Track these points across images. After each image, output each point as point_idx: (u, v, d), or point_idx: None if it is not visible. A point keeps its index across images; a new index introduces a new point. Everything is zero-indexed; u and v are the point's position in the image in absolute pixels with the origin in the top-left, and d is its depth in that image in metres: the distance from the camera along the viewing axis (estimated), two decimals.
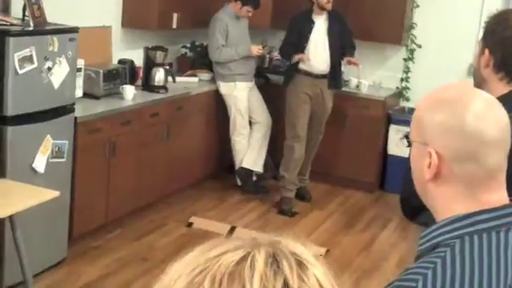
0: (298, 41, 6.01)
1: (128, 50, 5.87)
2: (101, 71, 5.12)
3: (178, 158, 5.83)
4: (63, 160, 4.36)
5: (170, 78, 5.84)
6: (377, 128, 6.63)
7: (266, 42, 7.22)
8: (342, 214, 6.14)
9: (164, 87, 5.72)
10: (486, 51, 2.07)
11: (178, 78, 6.04)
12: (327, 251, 5.22)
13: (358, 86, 6.73)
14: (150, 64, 5.76)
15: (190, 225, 5.49)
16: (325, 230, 5.74)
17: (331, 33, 5.98)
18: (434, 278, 1.21)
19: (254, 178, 6.46)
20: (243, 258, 0.75)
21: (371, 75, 6.98)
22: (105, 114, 4.85)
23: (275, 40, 7.06)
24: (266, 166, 6.51)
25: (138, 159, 5.26)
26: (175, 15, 5.95)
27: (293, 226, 5.77)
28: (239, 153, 6.38)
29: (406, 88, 7.04)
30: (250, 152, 6.38)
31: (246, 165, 6.37)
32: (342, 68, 6.30)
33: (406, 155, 1.46)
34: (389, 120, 6.68)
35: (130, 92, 5.26)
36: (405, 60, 7.00)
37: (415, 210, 1.73)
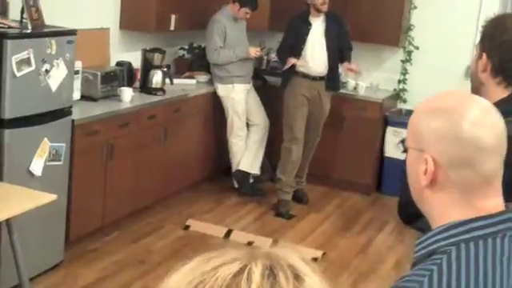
0: (295, 43, 6.01)
1: (126, 52, 5.87)
2: (98, 73, 5.12)
3: (175, 161, 5.83)
4: (60, 163, 4.36)
5: (167, 80, 5.84)
6: (374, 130, 6.63)
7: (263, 43, 7.22)
8: (339, 217, 6.15)
9: (162, 89, 5.72)
10: (484, 55, 2.07)
11: (175, 80, 6.04)
12: (324, 254, 5.23)
13: (355, 88, 6.73)
14: (147, 66, 5.76)
15: (186, 227, 5.49)
16: (322, 233, 5.74)
17: (329, 34, 5.98)
18: (430, 286, 1.21)
19: (251, 181, 6.46)
20: (240, 271, 0.75)
21: (368, 77, 6.98)
22: (102, 117, 4.85)
23: (273, 42, 7.06)
24: (263, 168, 6.51)
25: (136, 161, 5.26)
26: (173, 17, 5.95)
27: (290, 228, 5.77)
28: (236, 155, 6.38)
29: (404, 90, 7.04)
30: (247, 154, 6.38)
31: (243, 167, 6.37)
32: (340, 70, 6.30)
33: (403, 157, 1.46)
34: (386, 122, 6.68)
35: (127, 94, 5.26)
36: (402, 62, 7.00)
37: (412, 217, 1.73)
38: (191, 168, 6.17)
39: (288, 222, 5.92)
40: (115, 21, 5.76)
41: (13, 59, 3.87)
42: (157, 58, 5.80)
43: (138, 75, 5.75)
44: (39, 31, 4.19)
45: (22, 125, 4.03)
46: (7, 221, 3.53)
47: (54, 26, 4.34)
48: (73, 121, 4.48)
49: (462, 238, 1.27)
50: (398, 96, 7.06)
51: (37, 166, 4.15)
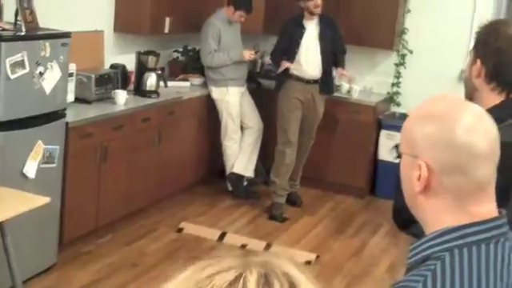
0: (289, 46, 6.03)
1: (120, 55, 5.87)
2: (93, 76, 5.12)
3: (169, 163, 5.83)
4: (54, 165, 4.36)
5: (161, 83, 5.84)
6: (367, 133, 6.65)
7: (258, 46, 7.23)
8: (333, 220, 6.15)
9: (156, 92, 5.72)
10: (478, 61, 2.08)
11: (169, 83, 6.04)
12: (317, 257, 5.23)
13: (349, 91, 6.74)
14: (141, 69, 5.76)
15: (180, 230, 5.48)
16: (315, 236, 5.74)
17: (323, 38, 6.00)
18: None
19: (245, 183, 6.46)
20: (235, 280, 0.75)
21: (362, 80, 6.99)
22: (96, 119, 4.85)
23: (267, 45, 7.06)
24: (256, 171, 6.52)
25: (130, 164, 5.26)
26: (167, 20, 5.95)
27: (283, 231, 5.77)
28: (230, 158, 6.38)
29: (397, 93, 7.06)
30: (241, 157, 6.39)
31: (236, 170, 6.37)
32: (334, 73, 6.31)
33: (397, 161, 1.46)
34: (380, 125, 6.70)
35: (121, 97, 5.26)
36: (396, 65, 7.02)
37: (406, 222, 1.74)
38: (185, 171, 6.17)
39: (281, 224, 5.92)
40: (109, 23, 5.76)
41: (7, 62, 3.86)
42: (151, 60, 5.80)
43: (132, 78, 5.75)
44: (33, 34, 4.18)
45: (15, 127, 4.03)
46: (0, 224, 3.52)
47: (48, 29, 4.34)
48: (67, 123, 4.48)
49: (455, 243, 1.28)
50: (391, 99, 7.08)
51: (30, 169, 4.15)
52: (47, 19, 4.43)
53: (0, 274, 3.95)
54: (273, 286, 0.76)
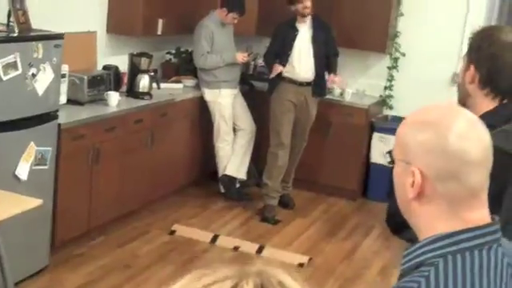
0: (282, 48, 6.03)
1: (113, 56, 5.86)
2: (85, 77, 5.10)
3: (161, 165, 5.82)
4: (46, 167, 4.34)
5: (154, 85, 5.83)
6: (360, 136, 6.66)
7: (250, 48, 7.23)
8: (325, 222, 6.16)
9: (148, 93, 5.71)
10: (472, 67, 2.09)
11: (162, 85, 6.03)
12: (310, 259, 5.23)
13: (341, 94, 6.75)
14: (134, 70, 5.75)
15: (172, 232, 5.48)
16: (307, 238, 5.75)
17: (315, 41, 6.01)
18: None
19: (238, 185, 6.46)
20: None
21: (355, 83, 7.01)
22: (89, 121, 4.84)
23: (260, 47, 7.07)
24: (249, 173, 6.52)
25: (122, 166, 5.25)
26: (160, 21, 5.95)
27: (276, 233, 5.77)
28: (223, 159, 6.38)
29: (390, 96, 7.07)
30: (233, 159, 6.39)
31: (229, 172, 6.37)
32: (326, 76, 6.32)
33: (390, 166, 1.47)
34: (372, 128, 6.71)
35: (114, 98, 5.25)
36: (389, 68, 7.03)
37: (399, 226, 1.74)
38: (178, 172, 6.17)
39: (274, 227, 5.93)
40: (102, 24, 5.75)
41: None
42: (144, 62, 5.80)
43: (125, 79, 5.74)
44: (26, 35, 4.18)
45: (8, 129, 4.01)
46: None
47: (40, 30, 4.32)
48: (59, 125, 4.47)
49: (449, 250, 1.28)
50: (384, 102, 7.09)
51: (23, 170, 4.14)
52: (40, 20, 4.42)
53: None
54: None
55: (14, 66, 3.95)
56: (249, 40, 7.21)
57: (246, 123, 6.48)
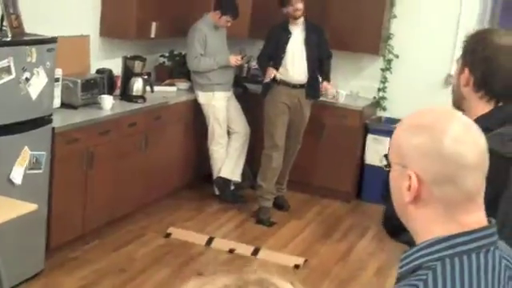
0: (275, 51, 6.04)
1: (106, 60, 5.85)
2: (79, 81, 5.10)
3: (156, 168, 5.81)
4: (40, 171, 4.34)
5: (148, 88, 5.83)
6: (354, 138, 6.67)
7: (244, 51, 7.22)
8: (320, 224, 6.17)
9: (142, 97, 5.71)
10: (466, 70, 2.09)
11: (156, 88, 6.03)
12: (305, 261, 5.24)
13: (335, 96, 6.75)
14: (128, 74, 5.74)
15: (168, 235, 5.47)
16: (302, 240, 5.75)
17: (308, 43, 6.02)
18: None
19: (232, 188, 6.46)
20: None
21: (348, 85, 7.02)
22: (83, 124, 4.83)
23: (253, 49, 7.06)
24: (243, 175, 6.52)
25: (116, 169, 5.24)
26: (153, 24, 5.94)
27: (271, 235, 5.78)
28: (217, 162, 6.38)
29: (383, 98, 7.08)
30: (227, 161, 6.39)
31: (223, 174, 6.37)
32: (319, 79, 6.32)
33: (386, 169, 1.47)
34: (366, 130, 6.72)
35: (108, 102, 5.24)
36: (382, 70, 7.04)
37: (396, 229, 1.75)
38: (172, 175, 6.16)
39: (269, 229, 5.93)
40: (95, 28, 5.74)
41: None
42: (137, 65, 5.79)
43: (119, 83, 5.73)
44: (19, 39, 4.16)
45: (1, 133, 4.00)
46: None
47: (34, 34, 4.31)
48: (53, 129, 4.46)
49: (446, 253, 1.28)
50: (377, 104, 7.10)
51: (17, 175, 4.13)
52: (33, 24, 4.41)
53: None
54: None
55: (7, 70, 3.94)
56: (242, 43, 7.21)
57: (240, 126, 6.48)
